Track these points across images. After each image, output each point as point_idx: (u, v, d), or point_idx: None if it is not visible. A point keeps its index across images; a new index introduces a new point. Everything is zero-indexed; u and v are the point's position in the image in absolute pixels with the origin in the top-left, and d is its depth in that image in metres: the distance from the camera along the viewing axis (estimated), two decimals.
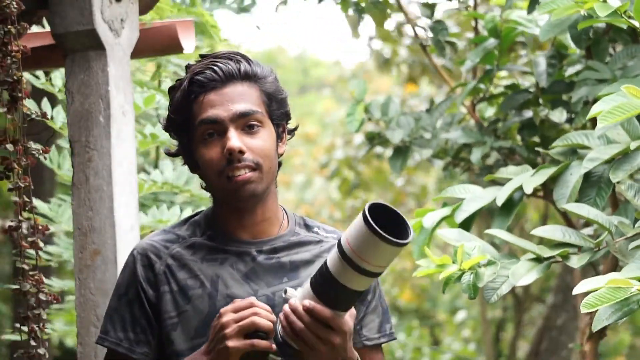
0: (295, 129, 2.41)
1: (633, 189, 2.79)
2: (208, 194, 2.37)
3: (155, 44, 3.44)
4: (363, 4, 4.30)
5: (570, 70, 3.66)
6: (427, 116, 4.17)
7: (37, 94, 3.95)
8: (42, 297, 2.77)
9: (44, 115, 2.84)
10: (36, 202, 2.83)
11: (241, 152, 2.23)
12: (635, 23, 2.72)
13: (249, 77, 2.29)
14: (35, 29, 3.61)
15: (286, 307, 2.13)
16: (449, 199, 3.29)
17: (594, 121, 2.60)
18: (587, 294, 2.32)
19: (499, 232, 2.91)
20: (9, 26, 2.75)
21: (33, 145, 2.82)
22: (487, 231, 2.93)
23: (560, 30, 3.31)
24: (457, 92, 4.17)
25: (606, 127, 2.56)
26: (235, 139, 2.23)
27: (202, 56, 2.34)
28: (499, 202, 3.05)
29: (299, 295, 2.14)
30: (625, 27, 3.09)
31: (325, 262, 2.10)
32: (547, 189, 3.48)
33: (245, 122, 2.26)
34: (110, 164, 3.01)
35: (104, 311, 2.40)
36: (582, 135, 3.00)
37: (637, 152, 2.80)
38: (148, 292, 2.30)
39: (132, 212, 3.07)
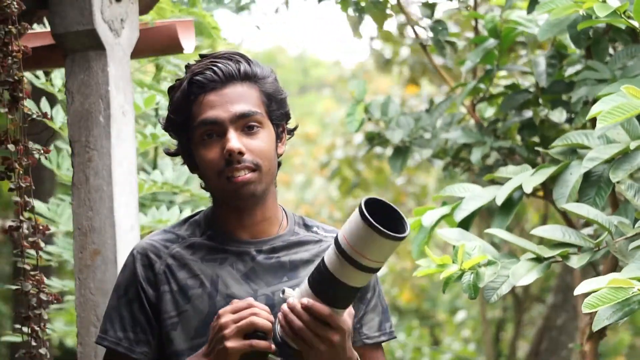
0: (295, 128, 2.41)
1: (633, 189, 2.79)
2: (208, 194, 2.38)
3: (155, 44, 3.44)
4: (363, 4, 4.30)
5: (570, 70, 3.66)
6: (427, 116, 4.17)
7: (36, 94, 3.95)
8: (43, 297, 2.78)
9: (45, 115, 2.84)
10: (35, 203, 2.83)
11: (241, 153, 2.23)
12: (635, 23, 2.72)
13: (248, 78, 2.29)
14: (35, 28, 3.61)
15: (284, 306, 2.13)
16: (448, 198, 3.29)
17: (593, 121, 2.60)
18: (587, 294, 2.32)
19: (498, 232, 2.91)
20: (10, 26, 2.76)
21: (33, 145, 2.82)
22: (487, 230, 2.93)
23: (559, 30, 3.32)
24: (457, 92, 4.17)
25: (606, 127, 2.56)
26: (234, 140, 2.24)
27: (201, 56, 2.34)
28: (499, 202, 3.05)
29: (297, 294, 2.13)
30: (624, 27, 3.09)
31: (322, 260, 2.10)
32: (546, 189, 3.48)
33: (245, 123, 2.26)
34: (110, 164, 3.01)
35: (104, 311, 2.40)
36: (582, 134, 3.00)
37: (637, 152, 2.80)
38: (148, 291, 2.30)
39: (132, 212, 3.08)
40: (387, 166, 5.24)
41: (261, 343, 2.13)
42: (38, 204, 4.12)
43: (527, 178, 3.05)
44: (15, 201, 2.77)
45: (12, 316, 8.48)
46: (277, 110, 2.32)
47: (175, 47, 3.45)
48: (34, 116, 2.80)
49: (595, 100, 2.76)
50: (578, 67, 3.63)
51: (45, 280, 2.84)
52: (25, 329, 2.77)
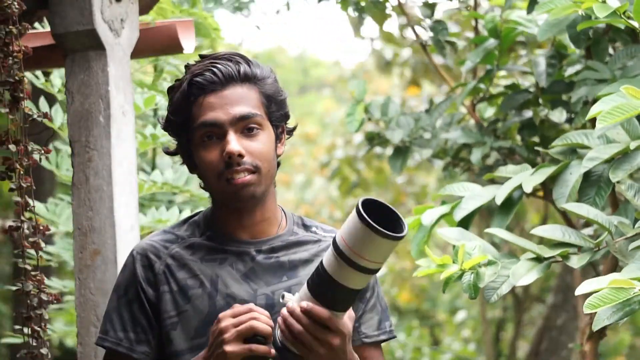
0: (294, 129, 2.41)
1: (633, 189, 2.79)
2: (207, 194, 2.38)
3: (155, 44, 3.44)
4: (363, 3, 4.30)
5: (570, 70, 3.66)
6: (427, 116, 4.17)
7: (35, 94, 3.96)
8: (43, 297, 2.78)
9: (45, 115, 2.84)
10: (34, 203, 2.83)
11: (240, 155, 2.23)
12: (635, 24, 2.72)
13: (248, 79, 2.29)
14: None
15: (284, 310, 2.12)
16: (448, 197, 3.29)
17: (593, 121, 2.60)
18: (588, 294, 2.32)
19: (498, 231, 2.91)
20: (11, 26, 2.76)
21: (34, 146, 2.82)
22: (487, 230, 2.93)
23: (559, 30, 3.32)
24: (457, 92, 4.18)
25: (605, 127, 2.56)
26: (234, 142, 2.24)
27: (201, 56, 2.34)
28: (498, 201, 3.05)
29: (296, 297, 2.13)
30: (624, 27, 3.09)
31: (321, 262, 2.09)
32: (546, 189, 3.48)
33: (245, 125, 2.26)
34: (110, 164, 3.02)
35: (104, 311, 2.40)
36: (582, 134, 3.00)
37: (637, 152, 2.80)
38: (148, 292, 2.30)
39: (132, 212, 3.08)
40: (387, 166, 5.24)
41: (261, 347, 2.13)
42: (37, 205, 4.12)
43: (526, 177, 3.05)
44: (16, 201, 2.77)
45: (12, 316, 8.48)
46: (276, 111, 2.32)
47: (175, 47, 3.45)
48: (35, 116, 2.80)
49: (595, 100, 2.76)
50: (578, 67, 3.63)
51: (46, 280, 2.84)
52: (26, 329, 2.77)
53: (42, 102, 3.99)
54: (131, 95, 3.12)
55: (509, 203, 3.09)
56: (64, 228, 4.37)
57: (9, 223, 2.80)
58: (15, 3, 2.76)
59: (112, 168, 3.02)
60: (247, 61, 2.30)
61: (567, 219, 3.47)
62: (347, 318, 2.14)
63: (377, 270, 2.09)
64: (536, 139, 3.80)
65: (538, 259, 2.79)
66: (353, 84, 4.29)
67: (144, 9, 3.30)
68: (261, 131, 2.27)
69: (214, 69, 2.26)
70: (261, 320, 2.13)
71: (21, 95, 2.77)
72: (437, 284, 10.54)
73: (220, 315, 2.16)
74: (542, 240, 3.22)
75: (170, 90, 2.34)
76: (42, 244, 2.82)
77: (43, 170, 4.24)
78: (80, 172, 3.03)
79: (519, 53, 4.51)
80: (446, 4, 4.33)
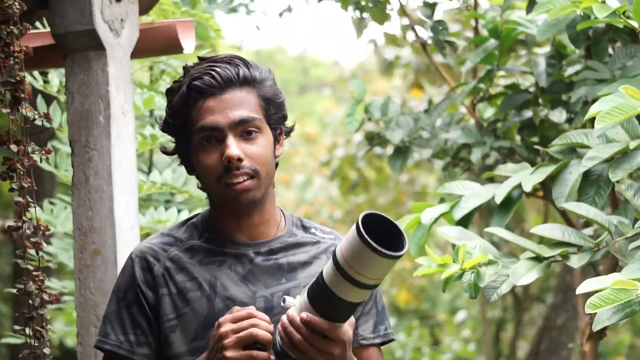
0: (292, 129, 2.40)
1: (632, 189, 2.79)
2: (204, 196, 2.37)
3: (155, 44, 3.44)
4: (363, 2, 4.31)
5: (569, 70, 3.66)
6: (426, 116, 4.17)
7: (32, 93, 3.95)
8: (45, 297, 2.78)
9: (46, 116, 2.84)
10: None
11: (240, 159, 2.23)
12: (634, 24, 2.72)
13: (247, 82, 2.28)
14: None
15: (284, 318, 2.12)
16: (447, 196, 3.28)
17: (593, 121, 2.60)
18: (588, 294, 2.32)
19: (498, 230, 2.91)
20: (11, 27, 2.76)
21: (34, 146, 2.82)
22: (487, 229, 2.93)
23: (558, 30, 3.32)
24: (457, 92, 4.18)
25: (604, 127, 2.56)
26: (233, 146, 2.23)
27: (200, 59, 2.33)
28: (498, 200, 3.05)
29: (297, 305, 2.12)
30: (623, 26, 3.09)
31: (321, 273, 2.09)
32: (546, 189, 3.48)
33: (244, 129, 2.26)
34: (110, 164, 3.02)
35: (103, 313, 2.40)
36: (582, 134, 3.00)
37: (637, 152, 2.80)
38: (147, 294, 2.30)
39: (132, 212, 3.08)
40: (388, 166, 5.24)
41: (261, 354, 2.13)
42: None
43: (526, 176, 3.05)
44: (16, 202, 2.77)
45: (12, 316, 8.48)
46: (275, 113, 2.32)
47: (175, 47, 3.45)
48: (36, 117, 2.80)
49: (594, 100, 2.76)
50: (578, 67, 3.63)
51: (46, 281, 2.84)
52: (27, 330, 2.77)
53: (40, 102, 3.99)
54: (131, 95, 3.12)
55: (509, 202, 3.09)
56: (61, 229, 4.37)
57: (9, 223, 2.80)
58: (16, 3, 2.76)
59: (112, 168, 3.02)
60: (246, 64, 2.30)
61: (567, 219, 3.47)
62: (348, 325, 2.14)
63: (376, 286, 2.08)
64: (536, 139, 3.80)
65: (538, 259, 2.79)
66: (353, 84, 4.29)
67: (144, 9, 3.30)
68: (260, 134, 2.27)
69: (213, 73, 2.26)
70: (261, 327, 2.13)
71: (22, 95, 2.77)
72: (437, 284, 10.54)
73: (221, 319, 2.15)
74: (542, 241, 3.23)
75: (169, 93, 2.34)
76: (44, 244, 2.82)
77: (43, 171, 4.23)
78: (80, 172, 3.03)
79: (519, 53, 4.51)
80: (446, 4, 4.33)
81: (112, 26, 3.06)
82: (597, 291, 2.29)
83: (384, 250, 1.98)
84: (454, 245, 2.80)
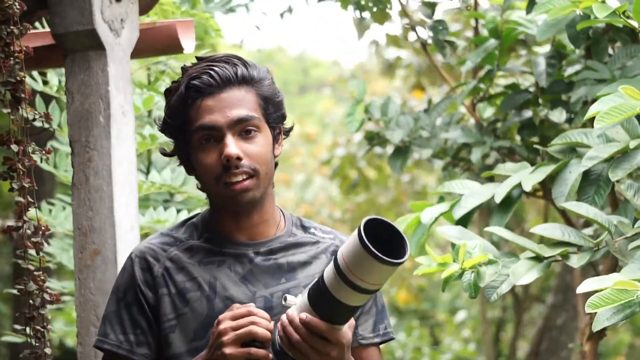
0: (291, 129, 2.40)
1: (632, 189, 2.79)
2: (203, 196, 2.38)
3: (155, 44, 3.44)
4: (363, 2, 4.31)
5: (569, 70, 3.66)
6: (426, 116, 4.17)
7: (31, 94, 3.95)
8: (46, 297, 2.78)
9: (46, 116, 2.84)
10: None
11: (239, 158, 2.23)
12: (634, 23, 2.72)
13: (245, 81, 2.28)
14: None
15: (284, 317, 2.12)
16: (446, 195, 3.28)
17: (593, 121, 2.60)
18: (588, 294, 2.32)
19: (498, 230, 2.91)
20: (12, 27, 2.76)
21: (35, 147, 2.82)
22: (487, 229, 2.93)
23: (557, 30, 3.32)
24: (457, 92, 4.18)
25: (603, 127, 2.56)
26: (232, 145, 2.23)
27: (198, 58, 2.33)
28: (498, 199, 3.05)
29: (297, 304, 2.13)
30: (623, 26, 3.09)
31: (322, 275, 2.09)
32: (546, 188, 3.48)
33: (243, 128, 2.26)
34: (110, 164, 3.02)
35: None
36: (581, 133, 3.00)
37: (636, 151, 2.80)
38: (147, 294, 2.30)
39: (132, 212, 3.08)
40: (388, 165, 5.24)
41: (260, 352, 2.13)
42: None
43: (526, 176, 3.05)
44: (17, 202, 2.77)
45: (12, 316, 8.48)
46: (273, 113, 2.31)
47: (175, 47, 3.45)
48: (36, 117, 2.80)
49: (594, 100, 2.77)
50: (578, 67, 3.63)
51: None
52: (28, 329, 2.77)
53: (39, 101, 3.99)
54: (131, 95, 3.12)
55: (508, 201, 3.08)
56: (60, 229, 4.37)
57: (9, 223, 2.80)
58: (16, 3, 2.76)
59: (112, 168, 3.02)
60: (244, 63, 2.30)
61: (567, 219, 3.47)
62: (347, 327, 2.14)
63: (377, 291, 2.09)
64: (536, 139, 3.80)
65: (538, 258, 2.79)
66: (353, 84, 4.29)
67: (144, 9, 3.30)
68: (259, 133, 2.27)
69: (211, 72, 2.26)
70: (261, 325, 2.13)
71: (22, 95, 2.77)
72: (436, 284, 10.55)
73: (220, 317, 2.16)
74: (542, 240, 3.22)
75: (167, 93, 2.33)
76: (45, 245, 2.82)
77: (43, 171, 4.23)
78: (80, 172, 3.03)
79: (519, 53, 4.51)
80: (446, 4, 4.33)
81: (112, 26, 3.06)
82: (597, 291, 2.29)
83: (385, 258, 1.99)
84: (453, 245, 2.80)
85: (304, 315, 2.09)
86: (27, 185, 2.77)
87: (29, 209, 2.78)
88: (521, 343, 10.01)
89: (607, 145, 2.87)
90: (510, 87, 3.97)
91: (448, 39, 4.15)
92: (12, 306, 8.84)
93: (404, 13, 4.36)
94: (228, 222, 2.32)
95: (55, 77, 4.20)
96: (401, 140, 4.15)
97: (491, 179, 3.38)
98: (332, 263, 2.07)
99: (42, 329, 2.77)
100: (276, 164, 2.34)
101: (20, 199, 2.76)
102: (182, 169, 2.39)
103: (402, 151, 4.18)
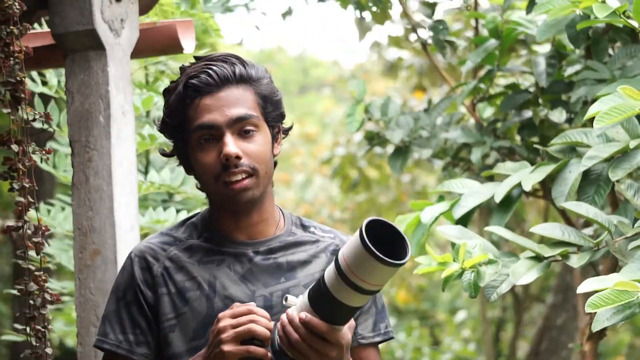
0: (290, 128, 2.40)
1: (632, 189, 2.79)
2: (202, 196, 2.38)
3: (155, 44, 3.44)
4: (363, 1, 4.31)
5: (569, 70, 3.66)
6: (426, 116, 4.17)
7: (30, 94, 3.95)
8: (47, 297, 2.78)
9: (46, 116, 2.84)
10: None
11: (238, 157, 2.23)
12: (634, 23, 2.72)
13: (244, 80, 2.28)
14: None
15: (283, 316, 2.12)
16: (446, 194, 3.28)
17: (593, 121, 2.60)
18: (588, 294, 2.32)
19: (498, 229, 2.91)
20: (12, 27, 2.76)
21: (35, 147, 2.82)
22: (487, 228, 2.93)
23: (557, 30, 3.32)
24: (457, 92, 4.18)
25: (603, 128, 2.56)
26: (231, 144, 2.23)
27: (196, 58, 2.33)
28: (497, 199, 3.05)
29: (297, 305, 2.13)
30: (623, 26, 3.09)
31: (322, 276, 2.09)
32: (546, 188, 3.48)
33: (241, 127, 2.26)
34: (110, 164, 3.02)
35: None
36: (581, 133, 3.00)
37: (636, 151, 2.80)
38: (146, 294, 2.30)
39: (132, 212, 3.08)
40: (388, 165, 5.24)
41: (258, 350, 2.13)
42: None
43: (526, 175, 3.05)
44: (18, 202, 2.77)
45: (12, 316, 8.48)
46: (272, 111, 2.31)
47: (175, 47, 3.45)
48: (36, 117, 2.80)
49: (594, 100, 2.77)
50: (578, 67, 3.63)
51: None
52: (29, 329, 2.77)
53: (38, 102, 3.99)
54: (131, 95, 3.12)
55: (508, 201, 3.08)
56: (59, 230, 4.37)
57: (9, 223, 2.80)
58: (16, 3, 2.76)
59: (112, 168, 3.02)
60: (242, 62, 2.30)
61: (567, 218, 3.47)
62: (347, 328, 2.14)
63: (377, 291, 2.09)
64: (536, 139, 3.80)
65: (538, 258, 2.79)
66: (353, 84, 4.29)
67: (144, 9, 3.30)
68: (258, 132, 2.27)
69: (209, 71, 2.26)
70: (260, 323, 2.13)
71: (22, 95, 2.77)
72: (436, 284, 10.55)
73: (220, 315, 2.16)
74: (542, 240, 3.22)
75: (166, 93, 2.33)
76: (46, 245, 2.82)
77: (43, 171, 4.23)
78: (80, 172, 3.03)
79: (519, 53, 4.51)
80: (446, 4, 4.33)
81: (112, 26, 3.06)
82: (597, 291, 2.30)
83: (386, 259, 1.99)
84: (453, 244, 2.80)
85: (303, 314, 2.09)
86: (27, 186, 2.77)
87: (29, 209, 2.78)
88: (521, 343, 10.02)
89: (607, 145, 2.87)
90: (510, 87, 3.97)
91: (448, 38, 4.16)
92: (12, 306, 8.84)
93: (404, 14, 4.36)
94: (227, 221, 2.32)
95: (54, 78, 4.20)
96: (401, 140, 4.15)
97: (491, 179, 3.38)
98: (333, 264, 2.07)
99: (43, 329, 2.77)
100: (275, 163, 2.34)
101: (21, 199, 2.76)
102: (181, 168, 2.39)
103: (402, 151, 4.18)
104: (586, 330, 3.36)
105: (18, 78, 2.77)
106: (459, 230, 2.91)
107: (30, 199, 2.78)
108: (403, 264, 2.01)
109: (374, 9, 4.43)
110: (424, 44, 4.32)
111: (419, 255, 2.85)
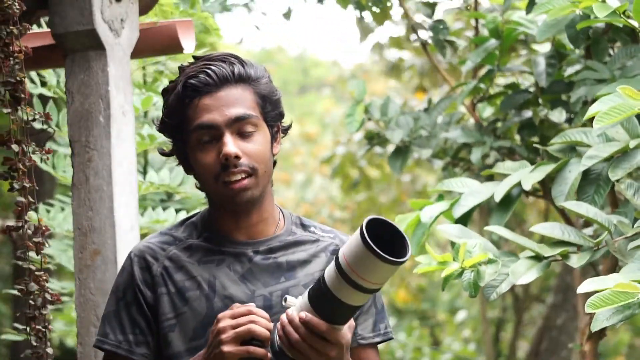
0: (289, 127, 2.40)
1: (632, 188, 2.79)
2: (200, 195, 2.37)
3: (155, 44, 3.44)
4: (363, 1, 4.31)
5: (569, 70, 3.66)
6: (426, 115, 4.18)
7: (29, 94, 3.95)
8: (47, 297, 2.78)
9: (46, 116, 2.84)
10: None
11: (237, 157, 2.23)
12: (634, 23, 2.72)
13: (243, 80, 2.28)
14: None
15: (283, 316, 2.12)
16: (446, 193, 3.28)
17: (593, 120, 2.60)
18: (588, 294, 2.32)
19: (498, 229, 2.91)
20: (11, 27, 2.76)
21: (35, 148, 2.82)
22: (487, 228, 2.93)
23: (557, 30, 3.32)
24: (457, 92, 4.18)
25: (603, 127, 2.56)
26: (231, 144, 2.23)
27: (195, 58, 2.33)
28: (497, 198, 3.05)
29: (297, 305, 2.13)
30: (623, 26, 3.10)
31: (322, 275, 2.09)
32: (545, 188, 3.48)
33: (241, 126, 2.26)
34: (110, 164, 3.02)
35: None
36: (581, 132, 3.00)
37: (636, 151, 2.80)
38: (146, 293, 2.30)
39: (132, 212, 3.08)
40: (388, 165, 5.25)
41: (258, 350, 2.13)
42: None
43: (526, 175, 3.05)
44: (18, 202, 2.76)
45: (12, 316, 8.48)
46: (271, 111, 2.31)
47: (175, 47, 3.45)
48: (36, 117, 2.80)
49: (594, 100, 2.77)
50: (577, 67, 3.63)
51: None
52: (29, 329, 2.77)
53: (37, 102, 3.99)
54: (131, 95, 3.12)
55: (508, 200, 3.09)
56: (59, 230, 4.37)
57: (8, 223, 2.80)
58: (16, 3, 2.76)
59: (112, 168, 3.02)
60: (241, 62, 2.30)
61: (567, 218, 3.47)
62: (347, 328, 2.14)
63: (378, 290, 2.09)
64: (536, 139, 3.80)
65: (538, 258, 2.79)
66: (353, 84, 4.29)
67: (144, 9, 3.30)
68: (257, 132, 2.27)
69: (208, 71, 2.26)
70: (260, 323, 2.13)
71: (22, 95, 2.77)
72: (436, 284, 10.55)
73: (220, 315, 2.16)
74: (542, 240, 3.22)
75: (165, 93, 2.33)
76: (47, 245, 2.82)
77: (43, 171, 4.23)
78: (80, 172, 3.03)
79: (520, 52, 4.51)
80: (447, 4, 4.33)
81: (112, 26, 3.06)
82: (597, 291, 2.30)
83: (387, 256, 1.99)
84: (453, 244, 2.80)
85: (303, 314, 2.09)
86: (27, 186, 2.77)
87: (29, 209, 2.78)
88: (521, 343, 10.02)
89: (607, 145, 2.87)
90: (510, 87, 3.97)
91: (448, 38, 4.16)
92: (12, 306, 8.84)
93: (405, 15, 4.36)
94: (227, 221, 2.32)
95: (53, 78, 4.19)
96: (401, 140, 4.15)
97: (491, 178, 3.38)
98: (333, 263, 2.07)
99: (43, 329, 2.77)
100: (275, 163, 2.34)
101: (21, 199, 2.76)
102: (180, 168, 2.38)
103: (402, 151, 4.18)
104: (586, 330, 3.36)
105: (18, 78, 2.77)
106: (459, 230, 2.91)
107: (31, 199, 2.78)
108: (403, 262, 2.01)
109: (374, 9, 4.44)
110: (424, 44, 4.32)
111: (419, 254, 2.85)
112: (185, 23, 3.48)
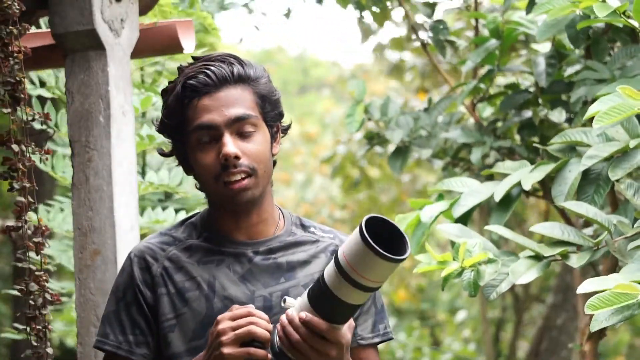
0: (289, 127, 2.40)
1: (632, 188, 2.79)
2: (200, 195, 2.37)
3: (155, 44, 3.44)
4: (363, 1, 4.31)
5: (569, 70, 3.66)
6: (426, 115, 4.18)
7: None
8: (47, 297, 2.78)
9: (46, 116, 2.84)
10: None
11: (237, 157, 2.23)
12: (634, 23, 2.72)
13: (242, 80, 2.28)
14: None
15: (283, 317, 2.12)
16: (446, 193, 3.28)
17: (593, 120, 2.60)
18: (588, 294, 2.32)
19: (498, 228, 2.91)
20: (11, 27, 2.76)
21: (34, 148, 2.82)
22: (487, 227, 2.93)
23: (557, 30, 3.32)
24: (457, 92, 4.18)
25: (602, 127, 2.56)
26: (230, 144, 2.23)
27: (194, 58, 2.33)
28: (497, 198, 3.05)
29: (297, 305, 2.12)
30: (623, 26, 3.10)
31: (322, 274, 2.09)
32: (545, 188, 3.48)
33: (240, 127, 2.25)
34: (110, 164, 3.02)
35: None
36: (581, 132, 3.00)
37: (636, 151, 2.80)
38: (146, 294, 2.30)
39: (132, 212, 3.08)
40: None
41: (258, 352, 2.13)
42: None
43: (525, 174, 3.05)
44: (18, 202, 2.76)
45: (12, 316, 8.48)
46: (271, 111, 2.31)
47: (175, 47, 3.45)
48: (36, 117, 2.80)
49: (594, 100, 2.77)
50: (577, 67, 3.64)
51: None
52: (29, 329, 2.77)
53: (35, 102, 3.99)
54: (131, 95, 3.12)
55: (508, 200, 3.09)
56: (58, 230, 4.37)
57: (8, 223, 2.80)
58: (16, 3, 2.76)
59: (112, 168, 3.02)
60: (240, 62, 2.29)
61: (567, 218, 3.47)
62: (347, 328, 2.13)
63: (377, 288, 2.09)
64: (536, 139, 3.80)
65: (537, 257, 2.79)
66: (353, 84, 4.29)
67: (144, 9, 3.30)
68: (256, 132, 2.27)
69: (207, 71, 2.26)
70: (260, 325, 2.13)
71: (21, 95, 2.77)
72: (436, 284, 10.54)
73: (219, 317, 2.15)
74: (542, 239, 3.22)
75: (164, 93, 2.33)
76: (47, 245, 2.82)
77: (42, 172, 4.23)
78: (80, 172, 3.04)
79: (520, 52, 4.51)
80: (447, 4, 4.33)
81: (112, 26, 3.06)
82: (597, 292, 2.30)
83: (387, 254, 1.99)
84: (453, 243, 2.80)
85: (303, 314, 2.09)
86: (27, 186, 2.77)
87: (29, 209, 2.78)
88: (521, 343, 10.02)
89: (607, 145, 2.87)
90: (510, 87, 3.97)
91: (449, 38, 4.16)
92: (12, 306, 8.84)
93: (406, 16, 4.36)
94: (227, 221, 2.32)
95: (52, 77, 4.19)
96: (401, 140, 4.15)
97: (491, 178, 3.38)
98: (332, 262, 2.07)
99: (44, 329, 2.78)
100: (274, 163, 2.34)
101: (21, 199, 2.76)
102: (179, 168, 2.38)
103: (402, 151, 4.18)
104: (586, 330, 3.36)
105: (17, 78, 2.77)
106: (459, 229, 2.91)
107: (30, 199, 2.78)
108: (403, 259, 2.01)
109: (374, 9, 4.44)
110: (424, 44, 4.33)
111: (419, 254, 2.85)
112: (185, 23, 3.48)
